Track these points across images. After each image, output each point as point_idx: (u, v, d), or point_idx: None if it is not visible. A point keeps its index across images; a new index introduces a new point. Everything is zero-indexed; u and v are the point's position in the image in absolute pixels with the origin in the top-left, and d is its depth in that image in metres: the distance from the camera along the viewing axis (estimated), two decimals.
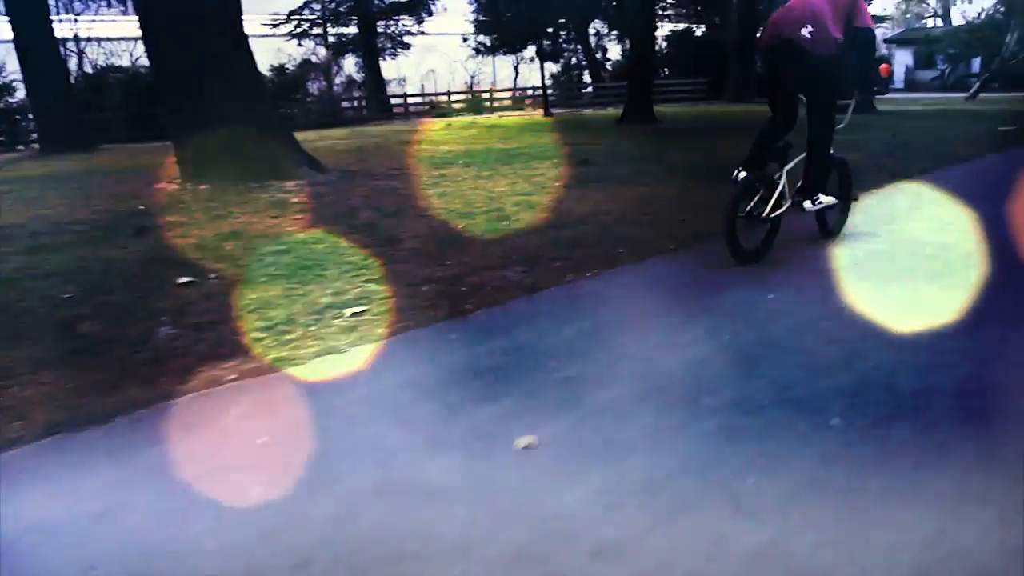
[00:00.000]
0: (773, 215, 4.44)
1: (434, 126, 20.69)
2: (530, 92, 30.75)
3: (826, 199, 4.60)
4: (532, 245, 5.00)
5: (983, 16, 31.27)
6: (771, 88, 4.73)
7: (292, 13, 28.81)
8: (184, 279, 4.48)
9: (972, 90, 26.50)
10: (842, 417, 2.32)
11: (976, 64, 31.75)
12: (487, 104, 28.88)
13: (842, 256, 4.55)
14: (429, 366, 3.03)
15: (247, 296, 4.11)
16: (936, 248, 4.63)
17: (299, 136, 15.49)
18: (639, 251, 4.76)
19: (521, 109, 28.85)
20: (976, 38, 30.01)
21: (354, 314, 3.71)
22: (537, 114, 24.37)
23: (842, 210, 5.02)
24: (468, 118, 24.53)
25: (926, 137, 12.23)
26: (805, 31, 4.25)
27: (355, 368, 3.03)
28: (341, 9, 29.12)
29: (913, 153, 9.74)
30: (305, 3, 28.76)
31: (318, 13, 29.18)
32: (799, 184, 4.60)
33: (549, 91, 27.48)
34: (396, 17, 30.22)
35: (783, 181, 4.54)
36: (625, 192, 7.01)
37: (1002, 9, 29.54)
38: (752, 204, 4.35)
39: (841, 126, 4.77)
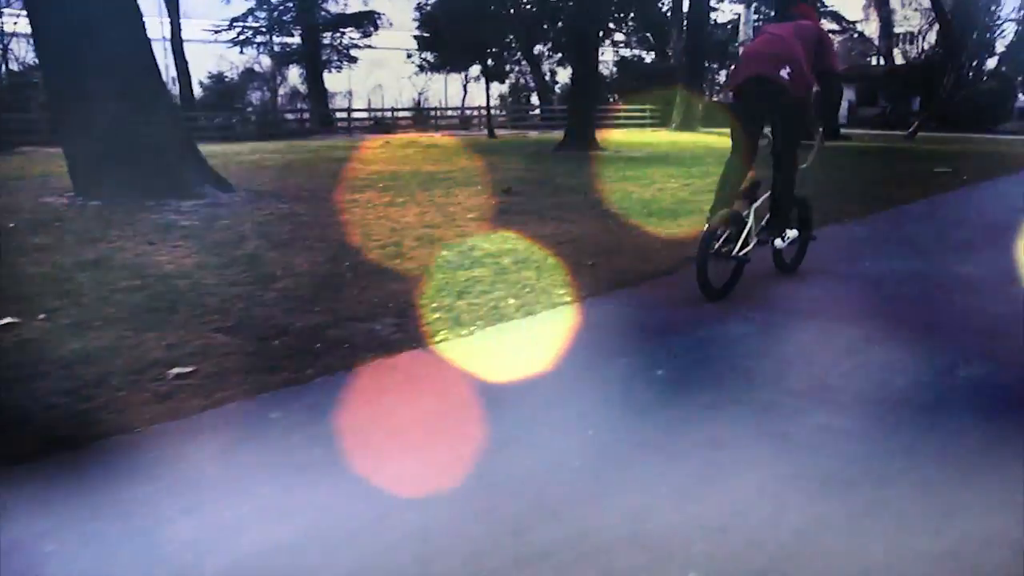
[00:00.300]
0: (741, 253, 4.45)
1: (373, 143, 20.14)
2: (476, 112, 30.38)
3: (792, 233, 4.75)
4: (416, 290, 4.52)
5: (923, 57, 31.98)
6: (740, 122, 4.67)
7: (235, 20, 28.02)
8: (6, 320, 3.89)
9: (911, 128, 26.96)
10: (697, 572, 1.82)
11: (916, 102, 32.45)
12: (432, 122, 28.49)
13: (772, 303, 4.18)
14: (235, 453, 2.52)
15: (69, 344, 3.54)
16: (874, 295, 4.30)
17: (232, 148, 14.83)
18: (531, 302, 4.29)
19: (468, 129, 28.52)
20: (916, 78, 30.64)
21: (179, 375, 3.17)
22: (482, 135, 24.02)
23: (799, 248, 5.10)
24: (410, 136, 24.08)
25: (866, 176, 12.11)
26: (784, 72, 4.34)
27: (155, 451, 2.49)
28: (285, 19, 28.39)
29: (850, 196, 9.49)
30: (249, 10, 28.01)
31: (262, 21, 28.41)
32: (766, 221, 4.69)
33: (496, 112, 27.18)
34: (342, 29, 29.60)
35: (751, 219, 4.55)
36: (539, 228, 6.54)
37: (940, 51, 30.25)
38: (721, 242, 4.36)
39: (805, 166, 4.84)
